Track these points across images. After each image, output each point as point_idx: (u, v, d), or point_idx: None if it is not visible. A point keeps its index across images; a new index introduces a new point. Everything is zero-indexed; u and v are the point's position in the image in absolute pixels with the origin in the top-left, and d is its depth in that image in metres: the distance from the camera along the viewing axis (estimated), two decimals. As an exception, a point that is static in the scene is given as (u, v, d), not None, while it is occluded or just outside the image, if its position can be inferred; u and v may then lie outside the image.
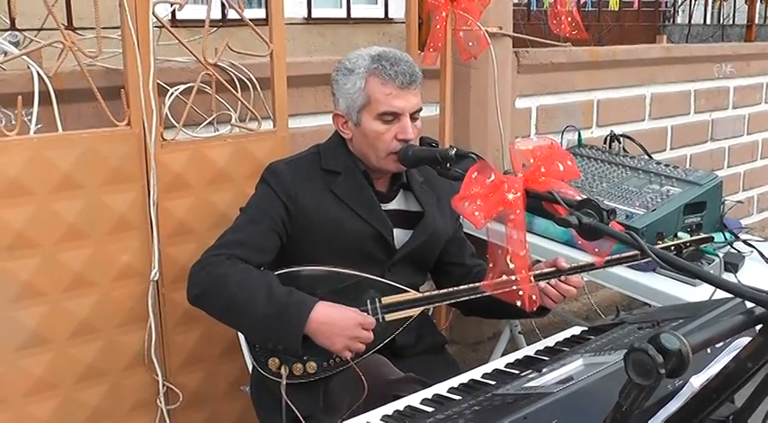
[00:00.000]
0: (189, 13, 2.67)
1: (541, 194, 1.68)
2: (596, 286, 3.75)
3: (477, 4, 3.05)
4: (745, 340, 1.24)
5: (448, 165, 2.03)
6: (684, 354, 1.06)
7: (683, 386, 1.33)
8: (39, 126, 2.41)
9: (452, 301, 2.23)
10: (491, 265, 1.83)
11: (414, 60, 2.27)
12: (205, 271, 2.13)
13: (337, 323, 2.06)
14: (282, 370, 2.12)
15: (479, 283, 2.15)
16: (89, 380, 2.49)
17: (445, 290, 2.21)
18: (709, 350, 1.36)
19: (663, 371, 1.05)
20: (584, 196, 1.65)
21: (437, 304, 2.28)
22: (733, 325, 1.21)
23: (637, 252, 2.04)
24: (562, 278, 2.16)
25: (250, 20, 2.66)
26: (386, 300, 2.18)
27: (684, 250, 2.46)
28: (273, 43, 2.67)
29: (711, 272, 2.59)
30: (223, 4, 2.87)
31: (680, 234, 2.66)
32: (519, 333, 3.50)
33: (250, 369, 2.32)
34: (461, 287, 2.19)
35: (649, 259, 1.42)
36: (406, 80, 2.18)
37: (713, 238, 2.63)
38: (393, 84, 2.17)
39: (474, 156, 1.90)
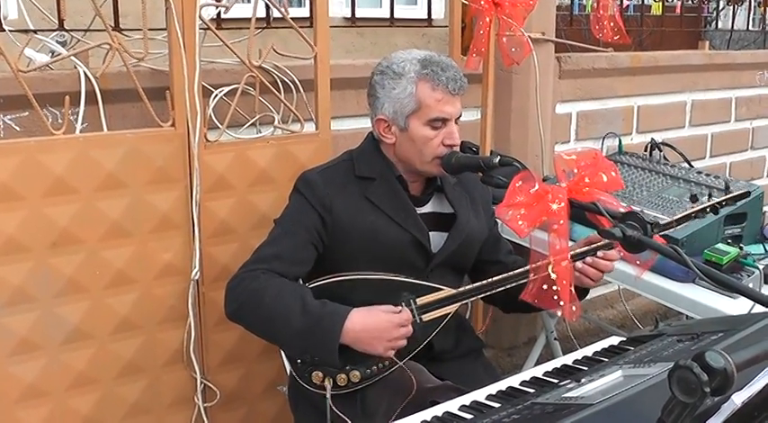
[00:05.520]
0: (233, 11, 2.68)
1: (585, 205, 1.68)
2: (632, 294, 3.74)
3: (520, 10, 3.04)
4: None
5: (491, 172, 2.03)
6: (729, 372, 1.06)
7: (724, 402, 1.32)
8: (84, 125, 2.46)
9: (488, 294, 2.19)
10: (532, 275, 1.83)
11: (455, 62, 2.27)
12: (241, 286, 2.13)
13: (374, 328, 2.05)
14: (326, 382, 2.12)
15: (514, 272, 2.14)
16: (129, 375, 2.53)
17: (479, 283, 2.18)
18: (751, 366, 1.35)
19: (707, 389, 1.05)
20: (628, 208, 1.65)
21: (472, 298, 2.25)
22: (778, 343, 1.20)
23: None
24: (599, 254, 2.14)
25: (293, 18, 2.67)
26: (421, 300, 2.16)
27: (719, 210, 2.37)
28: (318, 46, 2.68)
29: (751, 285, 2.57)
30: (267, 5, 2.88)
31: (720, 245, 2.63)
32: (554, 339, 3.50)
33: (288, 371, 2.34)
34: (495, 278, 2.16)
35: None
36: (456, 86, 2.18)
37: (749, 193, 2.58)
38: (444, 89, 2.17)
39: (518, 164, 1.90)
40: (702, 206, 2.28)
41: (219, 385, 2.68)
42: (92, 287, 2.41)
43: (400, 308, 2.12)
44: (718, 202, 2.29)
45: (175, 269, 2.54)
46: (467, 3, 3.21)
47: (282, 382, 2.59)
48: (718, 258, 2.57)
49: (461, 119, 2.27)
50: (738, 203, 2.50)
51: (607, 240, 2.06)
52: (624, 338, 2.09)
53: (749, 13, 5.89)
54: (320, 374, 2.14)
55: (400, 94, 2.20)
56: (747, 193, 2.50)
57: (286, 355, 2.30)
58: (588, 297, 2.29)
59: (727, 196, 2.40)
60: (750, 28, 6.19)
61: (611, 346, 2.05)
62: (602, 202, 1.69)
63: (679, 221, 2.18)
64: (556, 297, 1.75)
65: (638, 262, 1.84)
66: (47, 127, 2.30)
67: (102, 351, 2.46)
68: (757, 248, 2.89)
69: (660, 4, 5.03)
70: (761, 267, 2.67)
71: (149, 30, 2.47)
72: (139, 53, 2.46)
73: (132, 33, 2.67)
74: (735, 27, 5.81)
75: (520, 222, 1.66)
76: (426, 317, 2.14)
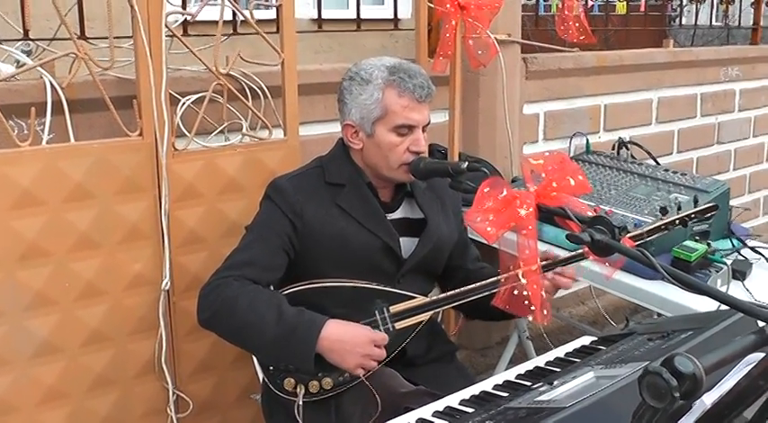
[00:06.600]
0: (199, 14, 2.66)
1: (554, 210, 1.69)
2: (603, 291, 3.77)
3: (486, 12, 3.04)
4: (757, 355, 1.25)
5: (459, 178, 2.04)
6: (698, 376, 1.07)
7: (695, 403, 1.34)
8: (51, 136, 2.43)
9: (461, 303, 2.21)
10: (502, 280, 1.83)
11: (424, 69, 2.28)
12: (214, 294, 2.12)
13: (349, 341, 2.05)
14: (299, 389, 2.12)
15: (486, 281, 2.16)
16: (100, 388, 2.51)
17: (452, 292, 2.20)
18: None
19: (677, 394, 1.06)
20: (596, 208, 1.67)
21: (445, 307, 2.26)
22: (745, 345, 1.22)
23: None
24: (558, 270, 2.16)
25: (260, 20, 2.66)
26: (394, 308, 2.17)
27: (690, 222, 2.41)
28: (285, 52, 2.68)
29: (719, 281, 2.60)
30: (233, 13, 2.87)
31: (688, 242, 2.66)
32: (527, 338, 3.51)
33: (261, 379, 2.33)
34: (468, 287, 2.18)
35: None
36: (424, 93, 2.18)
37: (717, 206, 2.62)
38: (411, 96, 2.17)
39: (485, 170, 1.91)
40: (672, 219, 2.33)
41: (192, 395, 2.66)
42: (61, 300, 2.39)
43: (375, 317, 2.13)
44: (686, 216, 2.33)
45: (145, 279, 2.52)
46: (433, 6, 3.22)
47: (255, 391, 2.58)
48: (686, 255, 2.59)
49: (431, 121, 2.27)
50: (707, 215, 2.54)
51: (576, 253, 2.10)
52: (596, 338, 2.11)
53: (712, 10, 5.93)
54: (292, 381, 2.14)
55: (367, 100, 2.20)
56: (716, 207, 2.55)
57: (258, 362, 2.30)
58: (560, 295, 2.31)
59: (697, 209, 2.45)
60: (714, 23, 6.24)
61: (583, 347, 2.07)
62: (570, 206, 1.70)
63: (649, 233, 2.21)
64: (526, 302, 1.76)
65: (607, 264, 1.85)
66: (12, 139, 2.28)
67: (73, 364, 2.44)
68: (725, 244, 2.92)
69: (625, 3, 5.07)
70: (728, 263, 2.69)
71: (115, 38, 2.45)
72: (106, 62, 2.44)
73: (98, 41, 2.65)
74: (698, 23, 5.87)
75: (489, 228, 1.66)
76: (399, 325, 2.15)
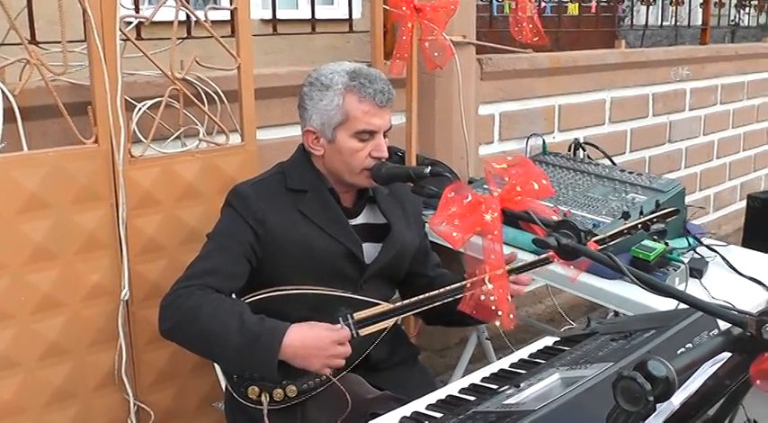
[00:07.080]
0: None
1: (519, 214, 1.69)
2: (560, 289, 3.80)
3: (442, 15, 3.05)
4: (722, 355, 1.27)
5: (422, 183, 2.04)
6: (671, 380, 1.09)
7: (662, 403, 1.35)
8: (3, 144, 2.37)
9: (425, 309, 2.21)
10: (468, 285, 1.83)
11: (383, 74, 2.27)
12: (176, 303, 2.09)
13: (312, 344, 2.04)
14: (263, 398, 2.10)
15: (452, 286, 2.16)
16: (59, 402, 2.45)
17: (417, 298, 2.20)
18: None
19: (651, 398, 1.07)
20: (555, 208, 1.67)
21: (409, 313, 2.27)
22: (713, 347, 1.23)
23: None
24: (512, 278, 2.17)
25: (215, 21, 2.64)
26: (358, 315, 2.17)
27: (652, 227, 2.45)
28: (241, 57, 2.65)
29: (677, 279, 2.64)
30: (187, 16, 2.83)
31: (647, 242, 2.69)
32: (486, 339, 3.53)
33: (223, 386, 2.31)
34: (433, 293, 2.18)
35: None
36: (384, 98, 2.18)
37: (678, 210, 2.67)
38: (371, 102, 2.17)
39: (448, 175, 1.90)
40: (635, 222, 2.38)
41: (153, 405, 2.62)
42: (17, 313, 2.33)
43: (340, 326, 2.11)
44: (648, 220, 2.39)
45: (104, 290, 2.48)
46: (388, 8, 3.21)
47: (217, 398, 2.56)
48: (645, 255, 2.62)
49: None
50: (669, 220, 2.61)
51: (542, 257, 2.12)
52: (558, 338, 2.12)
53: (662, 11, 6.01)
54: (256, 389, 2.12)
55: (327, 106, 2.18)
56: (677, 211, 2.62)
57: (222, 371, 2.27)
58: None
59: (659, 214, 2.52)
60: (664, 23, 6.32)
61: (546, 347, 2.08)
62: (534, 210, 1.71)
63: (612, 237, 2.25)
64: (494, 307, 1.76)
65: (571, 266, 1.86)
66: (-37, 149, 2.23)
67: (30, 378, 2.38)
68: (681, 242, 2.96)
69: (577, 4, 5.12)
70: (686, 261, 2.73)
71: (68, 42, 2.40)
72: (59, 67, 2.38)
73: (50, 46, 2.59)
74: (648, 23, 5.95)
75: (454, 233, 1.66)
76: (363, 331, 2.15)
